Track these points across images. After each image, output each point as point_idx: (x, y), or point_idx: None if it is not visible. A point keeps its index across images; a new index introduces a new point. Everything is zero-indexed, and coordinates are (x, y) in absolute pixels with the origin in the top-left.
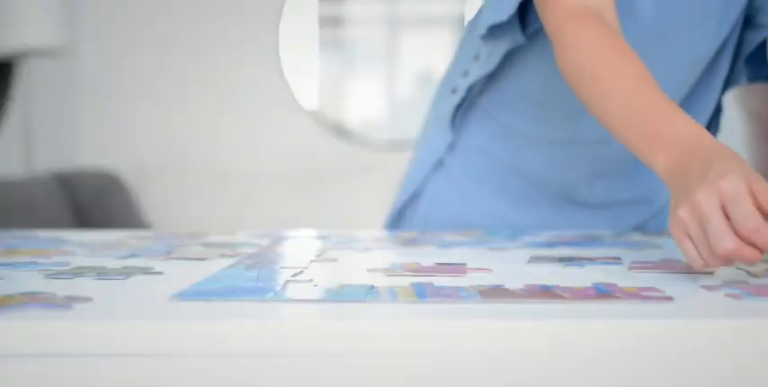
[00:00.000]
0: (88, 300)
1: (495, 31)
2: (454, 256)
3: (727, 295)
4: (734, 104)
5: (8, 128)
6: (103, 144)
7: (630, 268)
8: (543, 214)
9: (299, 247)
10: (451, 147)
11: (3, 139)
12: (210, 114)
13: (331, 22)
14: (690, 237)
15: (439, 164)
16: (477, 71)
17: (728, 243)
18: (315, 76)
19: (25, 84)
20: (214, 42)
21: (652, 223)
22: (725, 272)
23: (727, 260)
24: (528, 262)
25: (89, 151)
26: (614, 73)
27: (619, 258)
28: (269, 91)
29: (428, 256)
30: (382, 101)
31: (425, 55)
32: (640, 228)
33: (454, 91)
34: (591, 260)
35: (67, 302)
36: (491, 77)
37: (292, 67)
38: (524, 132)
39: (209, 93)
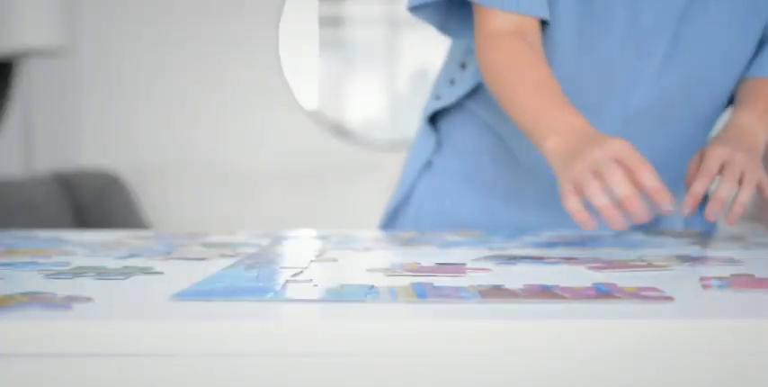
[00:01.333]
0: (88, 300)
1: (416, 12)
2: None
3: (704, 286)
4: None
5: (8, 128)
6: (103, 144)
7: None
8: (533, 212)
9: (299, 247)
10: (438, 147)
11: (3, 139)
12: (210, 114)
13: (331, 22)
14: (580, 191)
15: (427, 165)
16: (465, 82)
17: (628, 189)
18: (315, 76)
19: (25, 84)
20: (214, 42)
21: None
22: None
23: (618, 209)
24: (474, 260)
25: (89, 151)
26: (518, 72)
27: (575, 258)
28: (269, 91)
29: (428, 256)
30: (382, 101)
31: (425, 55)
32: (635, 226)
33: (438, 98)
34: (539, 259)
35: (67, 302)
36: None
37: (292, 67)
38: (511, 131)
39: (209, 93)
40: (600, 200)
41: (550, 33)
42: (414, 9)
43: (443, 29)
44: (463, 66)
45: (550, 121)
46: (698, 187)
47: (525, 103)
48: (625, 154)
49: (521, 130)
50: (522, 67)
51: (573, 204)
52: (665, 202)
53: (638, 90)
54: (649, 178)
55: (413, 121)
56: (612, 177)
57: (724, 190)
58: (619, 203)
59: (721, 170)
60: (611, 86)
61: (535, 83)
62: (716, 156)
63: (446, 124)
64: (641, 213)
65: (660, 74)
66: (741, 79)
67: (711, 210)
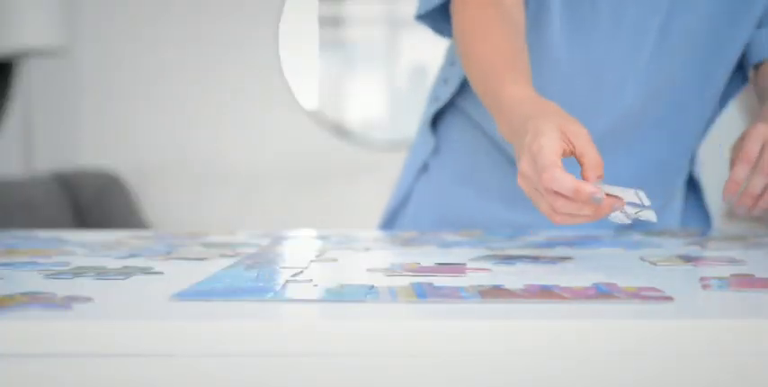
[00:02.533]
0: (88, 300)
1: (423, 21)
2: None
3: (704, 286)
4: (734, 105)
5: (8, 128)
6: (103, 144)
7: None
8: (529, 211)
9: (299, 247)
10: (435, 150)
11: (3, 139)
12: (210, 114)
13: (331, 22)
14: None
15: (424, 168)
16: (454, 78)
17: (569, 182)
18: (315, 76)
19: (25, 84)
20: (214, 42)
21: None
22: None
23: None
24: (474, 260)
25: (89, 151)
26: (484, 43)
27: (570, 258)
28: (269, 91)
29: (428, 256)
30: (382, 101)
31: (425, 55)
32: (632, 226)
33: (436, 99)
34: (539, 259)
35: (67, 302)
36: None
37: (292, 67)
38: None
39: (209, 93)
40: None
41: (542, 34)
42: (421, 17)
43: (439, 30)
44: (453, 63)
45: (500, 100)
46: (738, 173)
47: (482, 80)
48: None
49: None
50: (493, 30)
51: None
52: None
53: (628, 88)
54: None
55: (413, 121)
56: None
57: (757, 185)
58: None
59: (762, 151)
60: (602, 85)
61: (497, 47)
62: (757, 135)
63: (443, 126)
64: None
65: (649, 70)
66: (761, 67)
67: (742, 203)
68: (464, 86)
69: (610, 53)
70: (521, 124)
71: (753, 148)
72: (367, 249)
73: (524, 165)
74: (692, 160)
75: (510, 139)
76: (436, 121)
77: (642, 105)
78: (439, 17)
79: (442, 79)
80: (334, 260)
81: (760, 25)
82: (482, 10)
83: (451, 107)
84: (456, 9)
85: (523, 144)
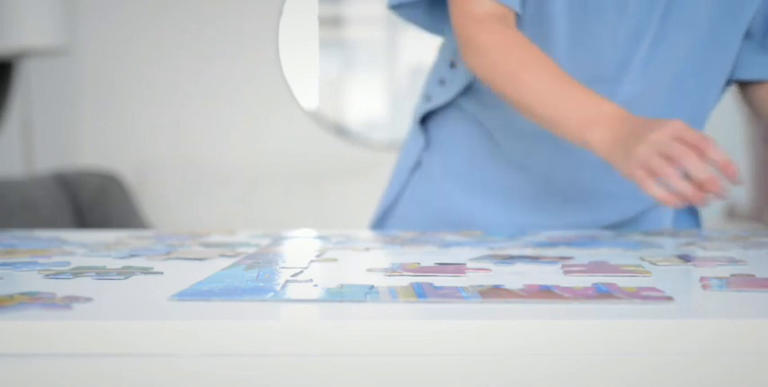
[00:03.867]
0: (88, 300)
1: (398, 11)
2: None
3: (704, 286)
4: (735, 105)
5: (8, 128)
6: (103, 144)
7: (565, 272)
8: (525, 208)
9: (299, 247)
10: (427, 147)
11: (3, 139)
12: (211, 114)
13: (331, 22)
14: (653, 174)
15: (417, 165)
16: (457, 81)
17: (706, 171)
18: (315, 76)
19: (25, 84)
20: (214, 42)
21: (643, 220)
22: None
23: (696, 189)
24: (474, 259)
25: (89, 151)
26: (528, 66)
27: (570, 258)
28: (269, 91)
29: (428, 256)
30: (382, 101)
31: (425, 55)
32: (626, 224)
33: (428, 99)
34: (539, 259)
35: (67, 302)
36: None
37: (292, 67)
38: (502, 126)
39: (209, 93)
40: (680, 183)
41: (545, 26)
42: (394, 7)
43: (433, 29)
44: (453, 65)
45: (586, 110)
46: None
47: (545, 93)
48: (684, 133)
49: (540, 123)
50: (526, 52)
51: (657, 190)
52: (735, 175)
53: (627, 77)
54: (717, 153)
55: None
56: (687, 160)
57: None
58: (699, 184)
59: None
60: (600, 75)
61: (549, 70)
62: None
63: (435, 123)
64: (722, 192)
65: (648, 60)
66: (758, 87)
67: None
68: (467, 89)
69: (612, 43)
70: (637, 128)
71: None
72: (367, 249)
73: (658, 135)
74: None
75: (610, 149)
76: (426, 117)
77: (641, 95)
78: (418, 11)
79: (437, 79)
80: (334, 260)
81: (748, 36)
82: (504, 27)
83: (447, 105)
84: (466, 16)
85: (646, 135)
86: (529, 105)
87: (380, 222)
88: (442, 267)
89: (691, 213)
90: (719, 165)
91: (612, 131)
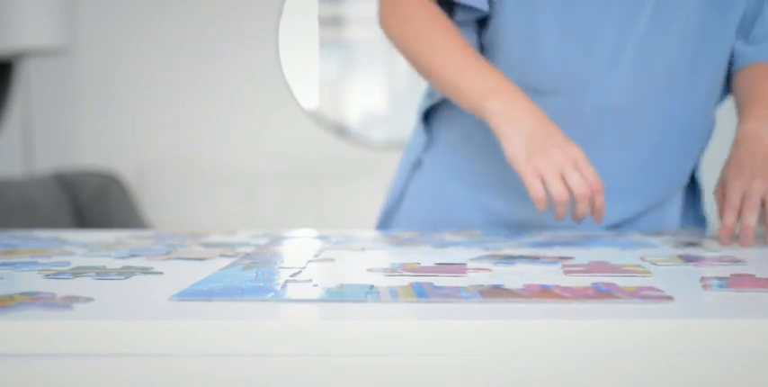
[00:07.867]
0: (88, 300)
1: None
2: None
3: (704, 286)
4: (735, 106)
5: (8, 128)
6: (103, 144)
7: (565, 272)
8: (523, 205)
9: (299, 246)
10: (428, 145)
11: (3, 139)
12: (211, 114)
13: (331, 22)
14: (542, 181)
15: (417, 164)
16: None
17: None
18: (315, 76)
19: (25, 84)
20: (214, 42)
21: (645, 220)
22: None
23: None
24: (474, 259)
25: (89, 151)
26: (439, 36)
27: (570, 258)
28: (269, 91)
29: (428, 255)
30: (382, 101)
31: None
32: (628, 223)
33: (430, 95)
34: (534, 259)
35: (67, 302)
36: None
37: (292, 67)
38: None
39: (210, 93)
40: (563, 196)
41: (533, 13)
42: None
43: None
44: None
45: (486, 81)
46: (728, 221)
47: (456, 64)
48: (582, 162)
49: (446, 92)
50: (436, 27)
51: (540, 191)
52: (601, 218)
53: (622, 62)
54: (600, 199)
55: (412, 121)
56: (572, 181)
57: (749, 220)
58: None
59: (744, 199)
60: (593, 64)
61: (463, 48)
62: (735, 189)
63: (436, 121)
64: (583, 214)
65: (642, 48)
66: (739, 71)
67: (744, 238)
68: None
69: (602, 27)
70: (543, 134)
71: (735, 199)
72: (367, 249)
73: (558, 154)
74: (696, 158)
75: (504, 121)
76: (429, 116)
77: (635, 85)
78: None
79: None
80: (334, 260)
81: (738, 36)
82: (428, 7)
83: (444, 101)
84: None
85: (550, 151)
86: (440, 74)
87: (385, 222)
88: (443, 267)
89: (697, 220)
90: (596, 207)
91: (509, 107)
